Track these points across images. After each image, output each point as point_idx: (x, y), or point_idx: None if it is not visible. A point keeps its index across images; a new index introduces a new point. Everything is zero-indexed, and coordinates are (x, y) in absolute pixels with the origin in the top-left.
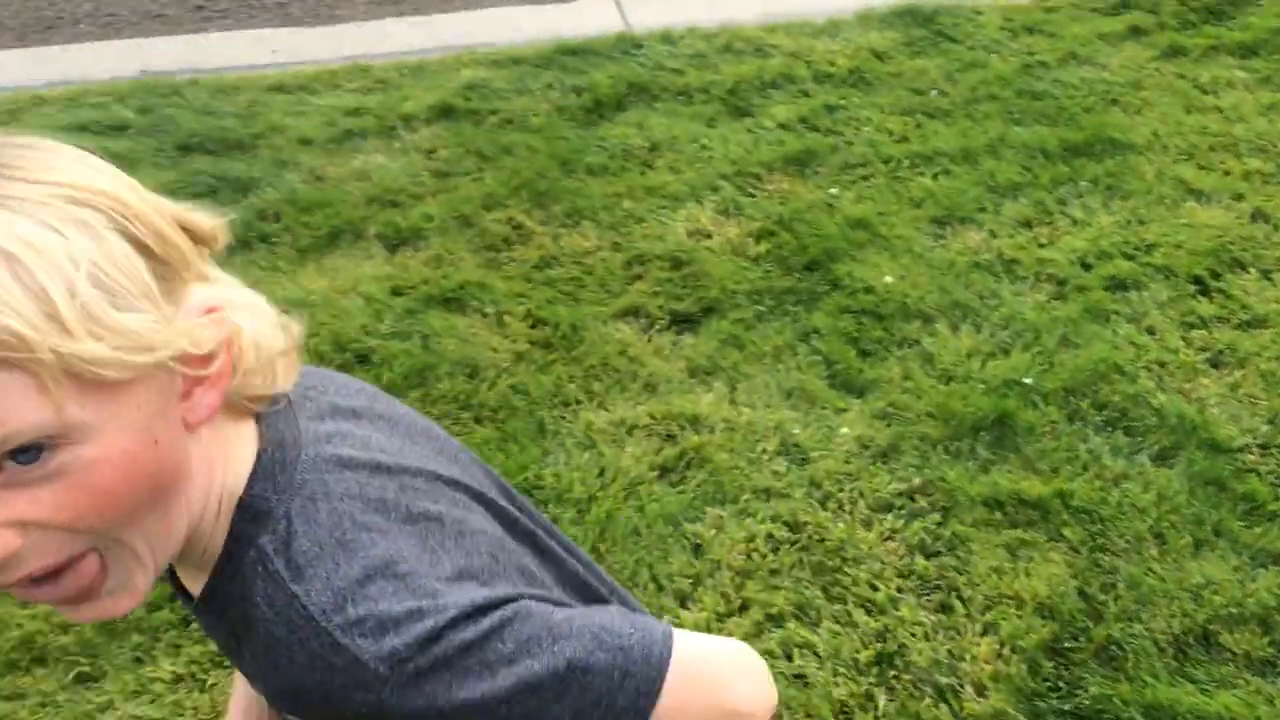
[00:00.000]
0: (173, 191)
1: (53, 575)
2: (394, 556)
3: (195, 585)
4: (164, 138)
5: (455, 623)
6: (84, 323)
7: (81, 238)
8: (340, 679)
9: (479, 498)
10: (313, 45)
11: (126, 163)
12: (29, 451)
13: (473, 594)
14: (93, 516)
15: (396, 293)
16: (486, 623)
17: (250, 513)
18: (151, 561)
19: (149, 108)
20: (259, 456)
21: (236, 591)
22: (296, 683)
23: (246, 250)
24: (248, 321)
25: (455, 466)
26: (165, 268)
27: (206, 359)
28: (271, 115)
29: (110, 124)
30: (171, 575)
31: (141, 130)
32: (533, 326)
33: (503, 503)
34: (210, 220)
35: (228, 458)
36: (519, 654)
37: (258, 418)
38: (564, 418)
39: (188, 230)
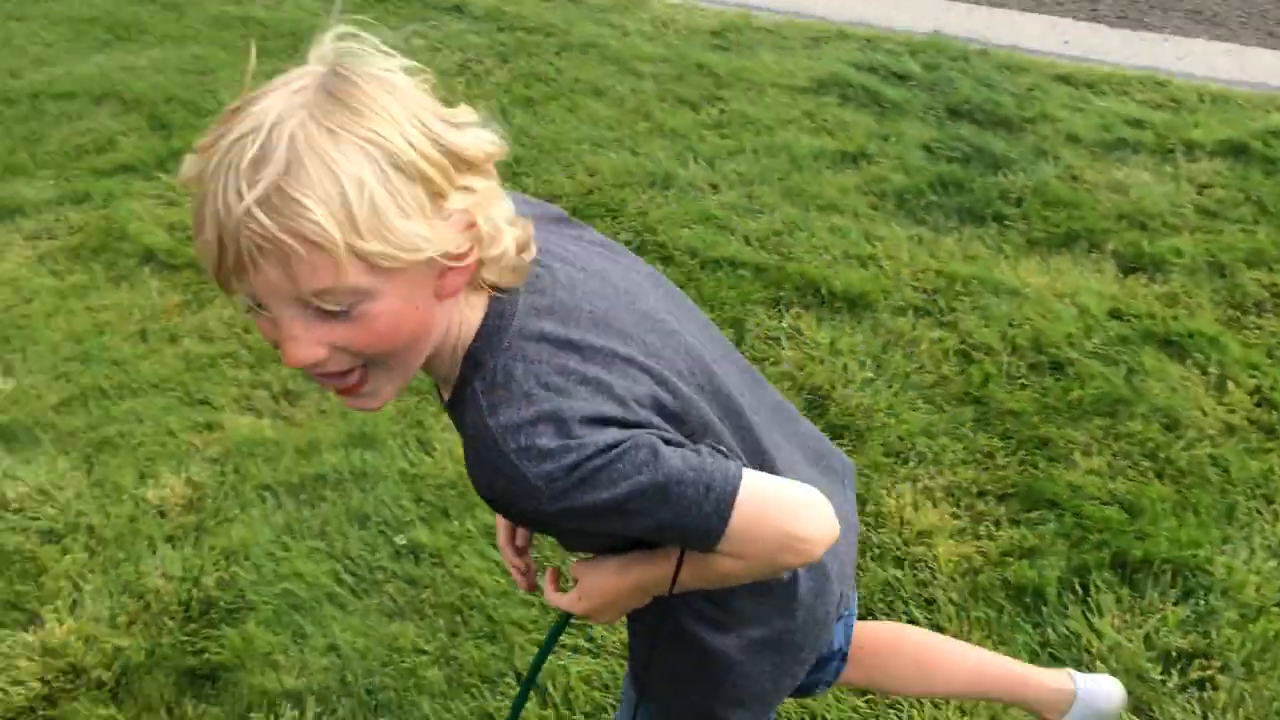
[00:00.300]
0: (928, 148)
1: (336, 376)
2: (559, 409)
3: (446, 396)
4: (939, 97)
5: (591, 457)
6: (372, 228)
7: (378, 165)
8: (513, 489)
9: (650, 371)
10: (1110, 45)
11: (895, 109)
12: (335, 303)
13: (608, 436)
14: (368, 348)
15: (1115, 315)
16: (613, 454)
17: (472, 361)
18: (399, 381)
19: (934, 65)
20: (483, 321)
21: (460, 411)
22: (486, 488)
23: (979, 224)
24: (497, 227)
25: (659, 336)
26: (434, 188)
27: (459, 256)
28: (1048, 104)
29: (895, 71)
30: (435, 388)
31: (921, 85)
32: (1258, 404)
33: (703, 381)
34: (485, 148)
35: (463, 320)
36: (632, 472)
37: (492, 289)
38: (1260, 512)
39: (461, 158)
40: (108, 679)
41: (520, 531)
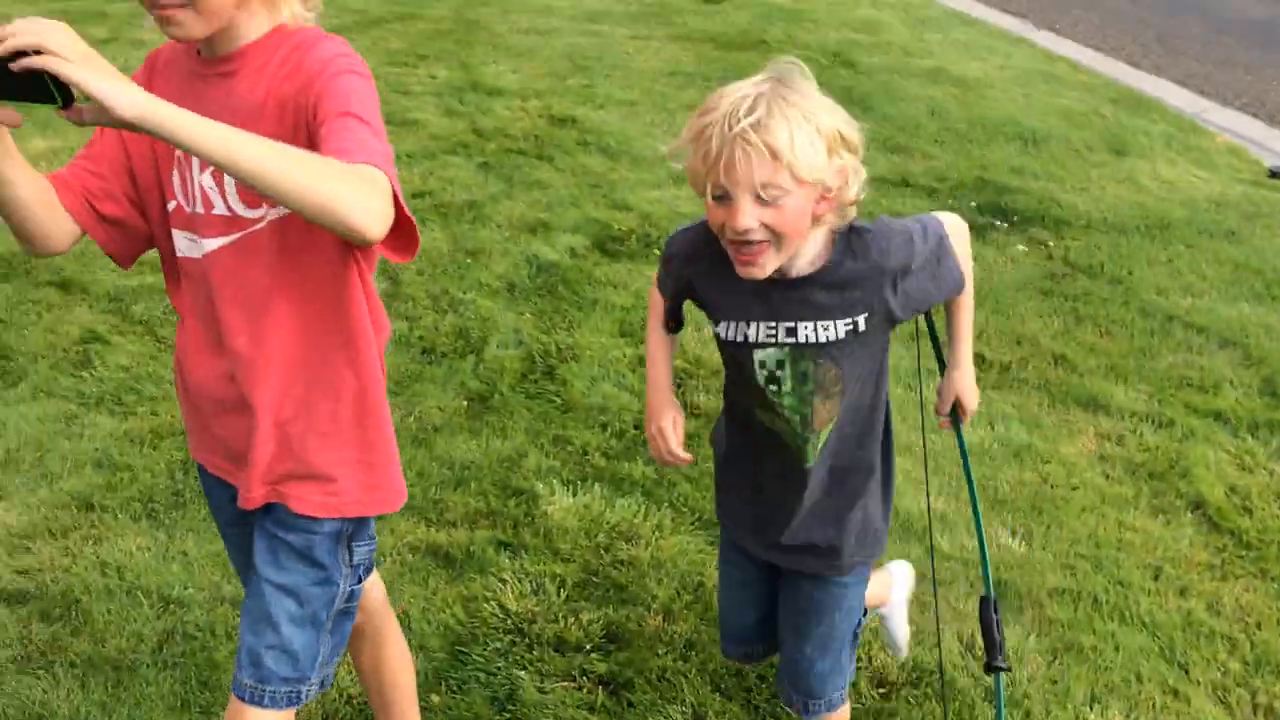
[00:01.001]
0: None
1: (753, 246)
2: (906, 243)
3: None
4: None
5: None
6: (800, 155)
7: (807, 125)
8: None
9: None
10: None
11: None
12: (771, 195)
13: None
14: (783, 228)
15: None
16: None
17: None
18: (783, 258)
19: None
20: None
21: (843, 264)
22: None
23: None
24: (851, 184)
25: None
26: (831, 148)
27: (830, 191)
28: None
29: None
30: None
31: None
32: None
33: None
34: (857, 136)
35: (818, 233)
36: (916, 233)
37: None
38: None
39: (845, 138)
40: None
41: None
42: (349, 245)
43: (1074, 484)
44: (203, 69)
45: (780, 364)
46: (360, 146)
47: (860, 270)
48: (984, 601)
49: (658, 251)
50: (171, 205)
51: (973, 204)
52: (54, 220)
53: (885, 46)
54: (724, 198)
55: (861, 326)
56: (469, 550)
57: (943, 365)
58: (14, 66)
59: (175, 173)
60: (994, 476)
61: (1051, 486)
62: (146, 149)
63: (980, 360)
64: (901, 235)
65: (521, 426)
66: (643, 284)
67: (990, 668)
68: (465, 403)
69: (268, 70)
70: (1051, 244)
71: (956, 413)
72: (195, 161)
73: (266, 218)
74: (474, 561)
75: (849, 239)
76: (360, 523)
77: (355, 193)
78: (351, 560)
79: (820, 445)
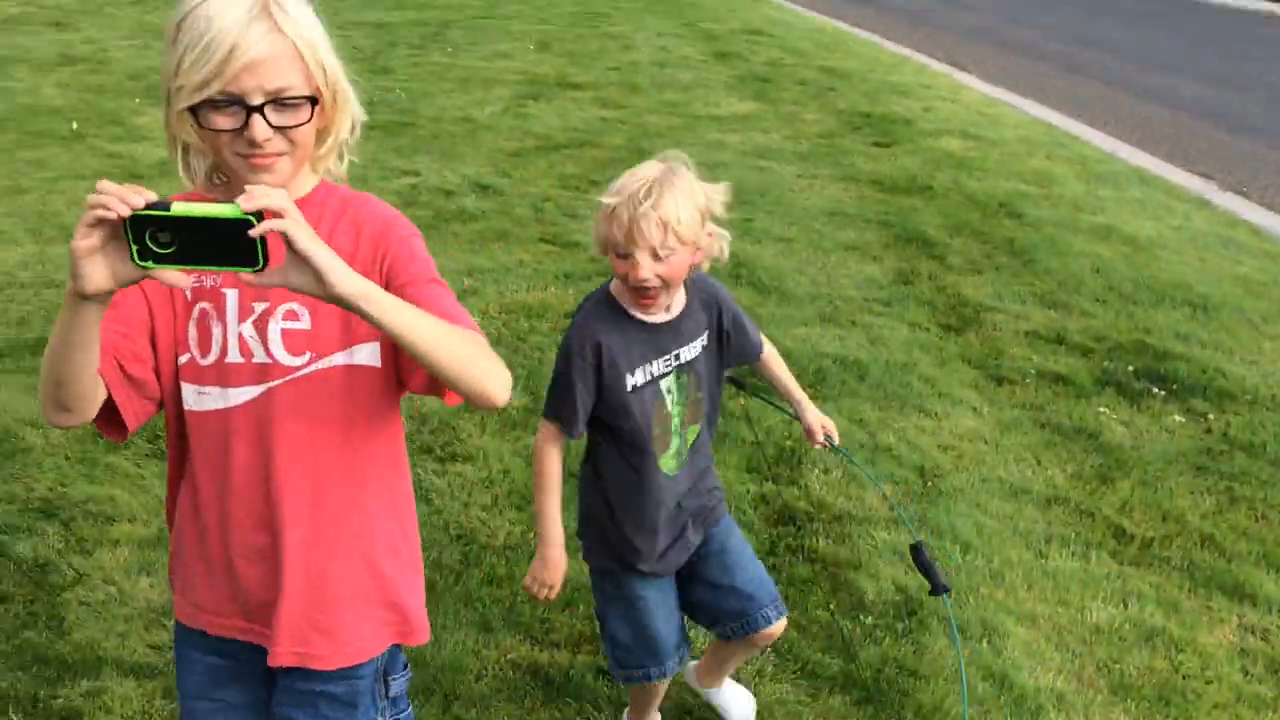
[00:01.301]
0: None
1: (650, 290)
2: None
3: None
4: None
5: None
6: (686, 224)
7: (690, 203)
8: (712, 309)
9: None
10: None
11: None
12: (664, 252)
13: None
14: (670, 277)
15: None
16: None
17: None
18: (672, 297)
19: None
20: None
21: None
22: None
23: None
24: (716, 244)
25: None
26: (703, 218)
27: (699, 251)
28: None
29: None
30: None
31: None
32: None
33: None
34: (721, 209)
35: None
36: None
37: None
38: None
39: (712, 212)
40: None
41: None
42: (402, 388)
43: (1209, 677)
44: None
45: (672, 385)
46: (461, 313)
47: (704, 300)
48: (913, 547)
49: None
50: (184, 359)
51: (1130, 368)
52: (97, 385)
53: (1055, 199)
54: (627, 256)
55: (707, 343)
56: (569, 674)
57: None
58: (257, 230)
59: (193, 326)
60: (1120, 659)
61: (1183, 677)
62: (168, 306)
63: (1119, 533)
64: (716, 283)
65: None
66: (776, 422)
67: (936, 592)
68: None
69: (324, 222)
70: (1211, 417)
71: (830, 439)
72: (232, 313)
73: (313, 365)
74: (572, 685)
75: (694, 283)
76: (394, 655)
77: (496, 368)
78: (388, 693)
79: (691, 440)
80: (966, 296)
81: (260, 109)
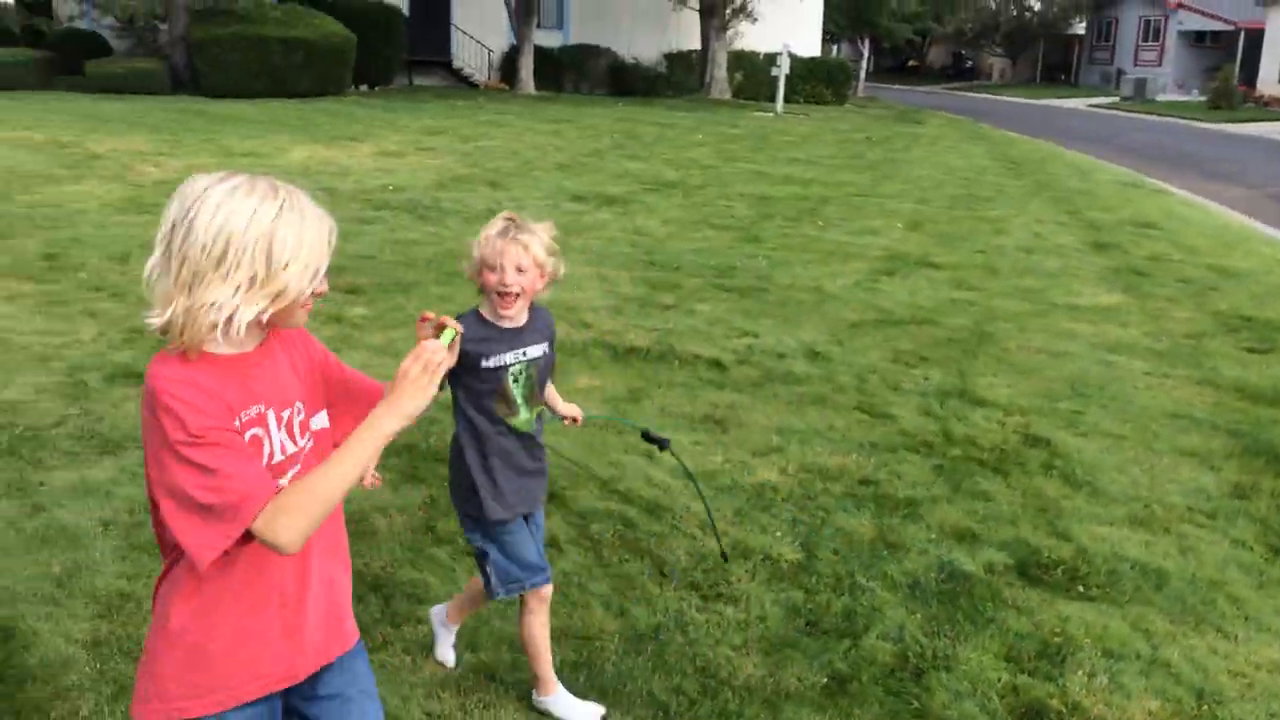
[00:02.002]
0: None
1: (512, 295)
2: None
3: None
4: None
5: None
6: (539, 253)
7: (539, 239)
8: (548, 328)
9: None
10: None
11: None
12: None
13: None
14: (526, 288)
15: None
16: None
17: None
18: (528, 300)
19: None
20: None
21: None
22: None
23: None
24: (560, 269)
25: None
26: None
27: (549, 274)
28: None
29: None
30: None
31: None
32: None
33: None
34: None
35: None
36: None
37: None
38: None
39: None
40: None
41: None
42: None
43: None
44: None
45: (519, 372)
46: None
47: (543, 321)
48: (643, 434)
49: (1081, 588)
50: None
51: None
52: None
53: None
54: (496, 269)
55: (546, 349)
56: None
57: None
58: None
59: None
60: None
61: None
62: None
63: None
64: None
65: (868, 717)
66: (1049, 617)
67: (662, 447)
68: (826, 679)
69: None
70: None
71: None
72: (273, 420)
73: (311, 444)
74: None
75: (535, 309)
76: None
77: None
78: None
79: (533, 416)
80: None
81: None
